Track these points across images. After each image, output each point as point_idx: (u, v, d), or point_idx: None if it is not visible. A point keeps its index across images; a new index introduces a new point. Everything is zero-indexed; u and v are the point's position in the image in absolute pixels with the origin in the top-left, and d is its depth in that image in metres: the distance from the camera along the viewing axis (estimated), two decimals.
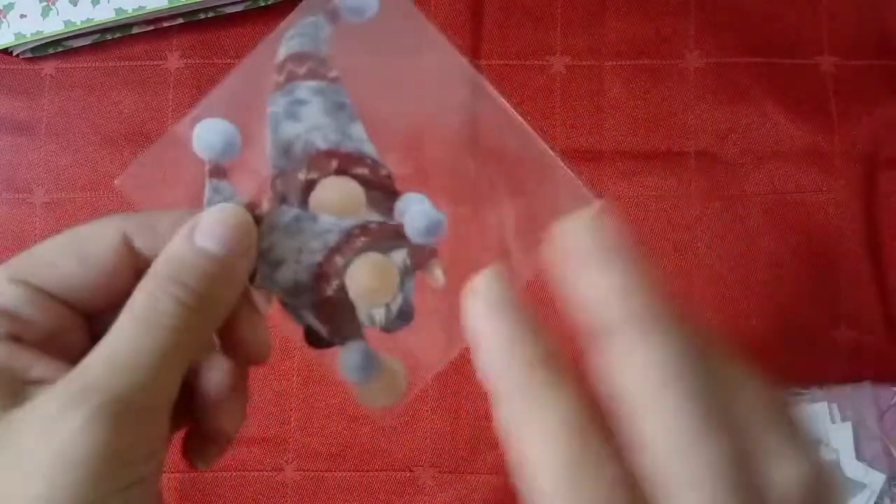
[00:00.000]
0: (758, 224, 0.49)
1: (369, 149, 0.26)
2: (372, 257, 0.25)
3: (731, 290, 0.49)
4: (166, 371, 0.22)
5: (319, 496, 0.48)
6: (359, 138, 0.26)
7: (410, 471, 0.48)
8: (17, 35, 0.50)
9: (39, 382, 0.22)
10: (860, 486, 0.43)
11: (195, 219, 0.23)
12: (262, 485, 0.49)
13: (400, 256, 0.25)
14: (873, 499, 0.43)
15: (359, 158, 0.26)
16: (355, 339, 0.25)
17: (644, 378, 0.18)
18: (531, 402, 0.18)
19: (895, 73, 0.50)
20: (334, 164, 0.26)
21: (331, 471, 0.49)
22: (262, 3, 0.52)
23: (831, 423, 0.44)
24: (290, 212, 0.25)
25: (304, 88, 0.26)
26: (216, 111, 0.26)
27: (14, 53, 0.52)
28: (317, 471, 0.49)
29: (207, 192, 0.25)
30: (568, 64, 0.51)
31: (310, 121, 0.26)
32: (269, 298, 0.26)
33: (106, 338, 0.22)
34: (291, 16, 0.27)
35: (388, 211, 0.26)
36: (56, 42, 0.52)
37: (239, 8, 0.52)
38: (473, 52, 0.51)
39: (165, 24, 0.52)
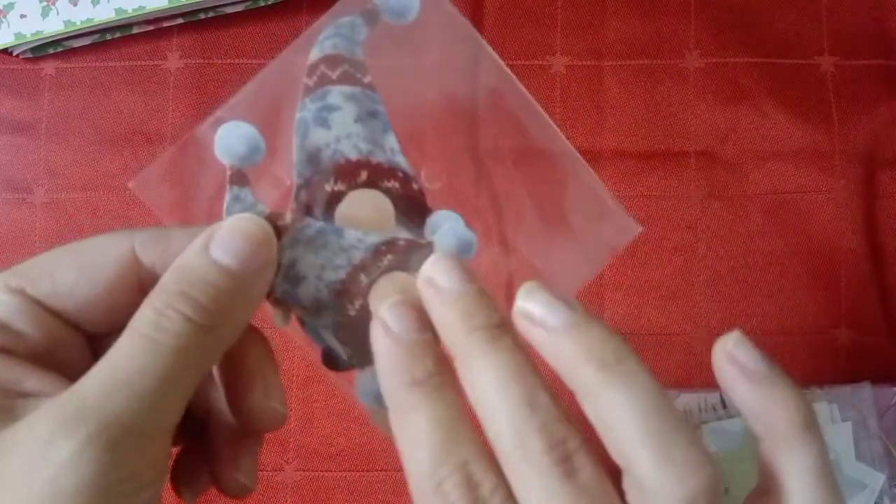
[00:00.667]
0: (758, 224, 0.49)
1: (401, 161, 0.25)
2: (398, 276, 0.24)
3: (731, 290, 0.49)
4: (170, 394, 0.20)
5: (319, 496, 0.48)
6: (391, 149, 0.25)
7: None
8: (17, 35, 0.50)
9: (33, 396, 0.21)
10: (860, 486, 0.43)
11: (211, 229, 0.22)
12: (262, 485, 0.48)
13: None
14: (873, 499, 0.43)
15: (390, 171, 0.25)
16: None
17: (479, 390, 0.21)
18: (406, 415, 0.21)
19: (895, 73, 0.50)
20: (363, 175, 0.24)
21: (331, 471, 0.49)
22: (263, 3, 0.52)
23: (831, 423, 0.44)
24: (314, 225, 0.23)
25: (336, 93, 0.24)
26: (240, 114, 0.24)
27: (14, 53, 0.52)
28: (317, 471, 0.49)
29: (227, 200, 0.24)
30: (568, 64, 0.51)
31: (340, 128, 0.24)
32: (288, 316, 0.24)
33: (107, 356, 0.20)
34: (326, 15, 0.25)
35: (418, 227, 0.25)
36: (56, 42, 0.52)
37: (239, 8, 0.52)
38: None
39: (165, 24, 0.52)
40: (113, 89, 0.53)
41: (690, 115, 0.50)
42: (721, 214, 0.49)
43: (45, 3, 0.50)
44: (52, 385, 0.21)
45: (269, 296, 0.23)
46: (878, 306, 0.48)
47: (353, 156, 0.24)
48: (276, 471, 0.49)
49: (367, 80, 0.25)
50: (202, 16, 0.52)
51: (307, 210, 0.24)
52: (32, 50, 0.52)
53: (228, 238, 0.22)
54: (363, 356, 0.24)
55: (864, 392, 0.44)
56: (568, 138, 0.51)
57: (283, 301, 0.24)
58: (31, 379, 0.21)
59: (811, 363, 0.48)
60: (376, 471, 0.48)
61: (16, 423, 0.20)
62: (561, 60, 0.51)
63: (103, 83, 0.53)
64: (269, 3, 0.52)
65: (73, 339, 0.23)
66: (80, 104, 0.53)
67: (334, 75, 0.25)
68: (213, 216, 0.24)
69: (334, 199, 0.24)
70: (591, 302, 0.49)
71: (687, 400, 0.45)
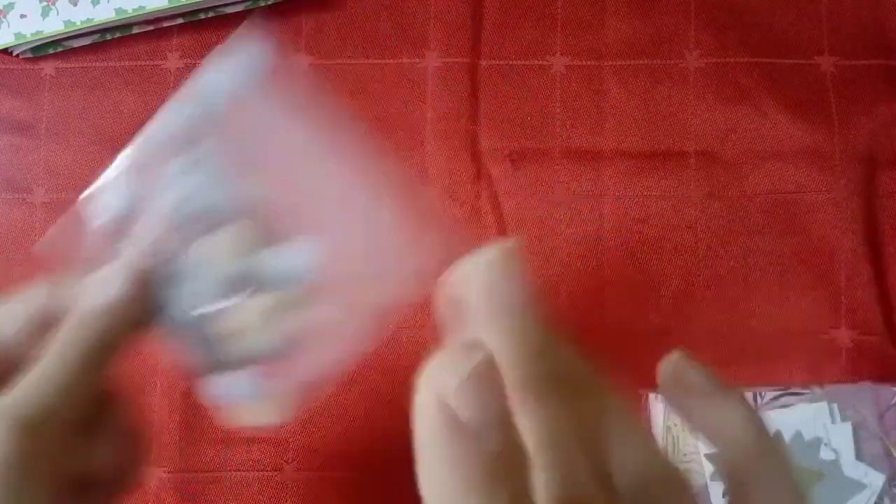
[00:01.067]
0: (758, 224, 0.49)
1: (261, 199, 0.29)
2: (258, 297, 0.29)
3: (731, 290, 0.49)
4: (71, 400, 0.27)
5: (319, 496, 0.48)
6: (250, 193, 0.29)
7: (410, 471, 0.48)
8: (17, 35, 0.50)
9: None
10: (860, 486, 0.43)
11: (100, 272, 0.29)
12: (262, 485, 0.48)
13: (281, 295, 0.29)
14: (873, 499, 0.43)
15: (247, 212, 0.29)
16: (242, 368, 0.29)
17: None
18: None
19: (895, 73, 0.50)
20: (224, 217, 0.29)
21: (331, 471, 0.49)
22: (263, 3, 0.52)
23: (831, 423, 0.44)
24: (182, 262, 0.29)
25: (202, 148, 0.29)
26: (116, 176, 0.31)
27: (14, 53, 0.52)
28: (316, 471, 0.49)
29: (107, 252, 0.30)
30: (568, 64, 0.51)
31: (203, 180, 0.29)
32: (167, 335, 0.30)
33: (28, 370, 0.27)
34: (197, 74, 0.29)
35: (276, 253, 0.29)
36: (56, 42, 0.52)
37: (239, 8, 0.52)
38: (473, 52, 0.51)
39: (165, 24, 0.52)
40: (113, 89, 0.53)
41: (690, 115, 0.50)
42: (721, 214, 0.49)
43: (45, 3, 0.50)
44: None
45: (150, 322, 0.30)
46: (878, 306, 0.48)
47: (212, 202, 0.29)
48: (275, 471, 0.49)
49: (229, 131, 0.29)
50: (202, 16, 0.52)
51: (175, 252, 0.29)
52: (32, 50, 0.52)
53: (113, 278, 0.29)
54: (228, 364, 0.30)
55: (865, 392, 0.44)
56: (568, 138, 0.51)
57: (162, 324, 0.29)
58: None
59: (811, 363, 0.48)
60: (376, 471, 0.48)
61: None
62: (561, 60, 0.51)
63: (103, 83, 0.53)
64: (269, 2, 0.52)
65: None
66: (80, 104, 0.53)
67: (198, 132, 0.30)
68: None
69: (198, 239, 0.29)
70: (591, 302, 0.49)
71: None
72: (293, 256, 0.29)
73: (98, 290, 0.29)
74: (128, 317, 0.29)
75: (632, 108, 0.51)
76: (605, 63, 0.51)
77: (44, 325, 0.29)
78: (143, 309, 0.30)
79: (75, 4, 0.50)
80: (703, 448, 0.44)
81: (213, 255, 0.29)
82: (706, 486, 0.43)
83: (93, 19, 0.49)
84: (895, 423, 0.44)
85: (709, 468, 0.43)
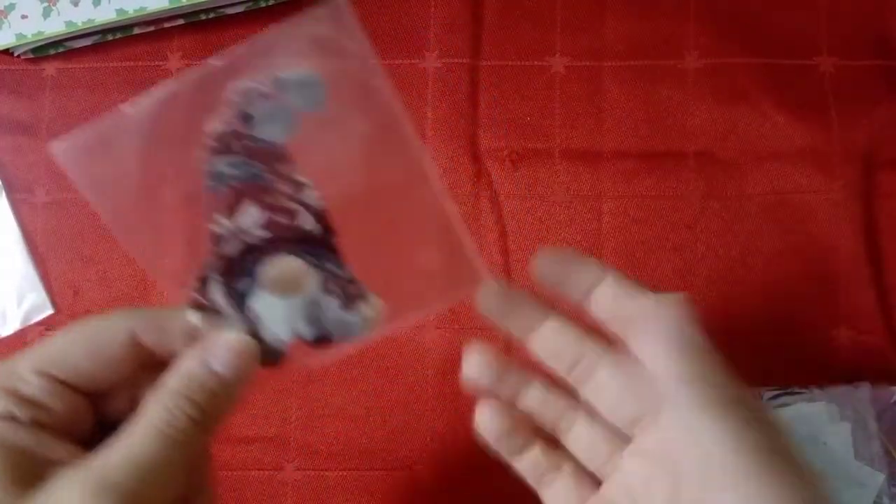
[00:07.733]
0: (758, 224, 0.49)
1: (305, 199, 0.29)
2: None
3: (730, 289, 0.49)
4: (176, 477, 0.26)
5: (320, 496, 0.48)
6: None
7: (410, 470, 0.48)
8: (19, 36, 0.50)
9: (59, 464, 0.25)
10: (859, 486, 0.43)
11: (208, 342, 0.28)
12: (262, 484, 0.49)
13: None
14: (872, 499, 0.43)
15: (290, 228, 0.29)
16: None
17: None
18: None
19: (895, 74, 0.50)
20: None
21: (331, 470, 0.49)
22: (263, 4, 0.52)
23: (830, 422, 0.44)
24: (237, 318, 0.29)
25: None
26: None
27: (15, 54, 0.52)
28: (317, 470, 0.49)
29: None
30: (568, 64, 0.51)
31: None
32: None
33: (126, 441, 0.25)
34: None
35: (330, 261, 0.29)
36: (57, 42, 0.52)
37: (240, 9, 0.52)
38: (473, 52, 0.51)
39: (166, 25, 0.52)
40: (114, 90, 0.53)
41: (690, 115, 0.50)
42: (720, 214, 0.49)
43: (46, 4, 0.50)
44: (70, 454, 0.26)
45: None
46: (877, 306, 0.48)
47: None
48: (276, 470, 0.49)
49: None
50: (203, 17, 0.52)
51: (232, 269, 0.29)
52: (34, 50, 0.52)
53: (224, 352, 0.27)
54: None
55: (863, 392, 0.44)
56: (567, 139, 0.51)
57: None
58: (58, 449, 0.26)
59: (810, 363, 0.48)
60: (376, 470, 0.48)
61: (45, 487, 0.24)
62: (561, 61, 0.51)
63: (104, 84, 0.53)
64: (269, 3, 0.52)
65: (84, 406, 0.28)
66: (81, 104, 0.53)
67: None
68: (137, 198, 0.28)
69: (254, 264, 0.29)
70: None
71: None
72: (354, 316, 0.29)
73: (210, 358, 0.27)
74: (236, 393, 0.28)
75: (631, 108, 0.51)
76: (605, 63, 0.51)
77: (135, 362, 0.28)
78: (246, 386, 0.28)
79: (76, 5, 0.50)
80: None
81: (274, 283, 0.29)
82: None
83: (94, 20, 0.50)
84: (894, 423, 0.44)
85: None
